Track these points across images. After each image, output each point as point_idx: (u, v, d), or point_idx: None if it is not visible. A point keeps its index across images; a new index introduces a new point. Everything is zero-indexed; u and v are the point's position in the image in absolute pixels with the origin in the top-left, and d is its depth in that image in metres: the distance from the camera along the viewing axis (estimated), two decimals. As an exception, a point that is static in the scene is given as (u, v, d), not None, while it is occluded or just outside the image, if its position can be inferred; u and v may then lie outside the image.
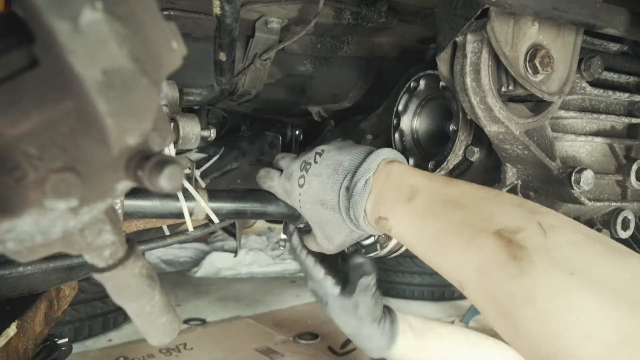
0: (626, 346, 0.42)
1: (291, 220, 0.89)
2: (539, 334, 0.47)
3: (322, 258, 0.91)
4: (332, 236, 0.79)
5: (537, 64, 0.69)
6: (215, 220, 0.81)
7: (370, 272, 0.89)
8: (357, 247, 0.93)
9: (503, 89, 0.72)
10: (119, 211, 0.79)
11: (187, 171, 0.95)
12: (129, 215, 0.74)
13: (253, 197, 0.85)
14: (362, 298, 0.88)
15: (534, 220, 0.52)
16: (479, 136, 0.87)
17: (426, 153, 0.97)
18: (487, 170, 0.89)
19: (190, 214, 0.78)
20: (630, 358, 0.42)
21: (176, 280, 4.23)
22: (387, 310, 0.96)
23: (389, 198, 0.69)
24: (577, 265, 0.47)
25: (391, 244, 0.92)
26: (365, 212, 0.72)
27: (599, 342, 0.43)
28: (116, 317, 2.97)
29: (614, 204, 0.82)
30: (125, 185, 0.33)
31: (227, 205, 0.81)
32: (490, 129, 0.75)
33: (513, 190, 0.82)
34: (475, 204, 0.59)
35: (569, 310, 0.45)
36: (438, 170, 0.90)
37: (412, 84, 0.96)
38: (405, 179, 0.69)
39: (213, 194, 0.81)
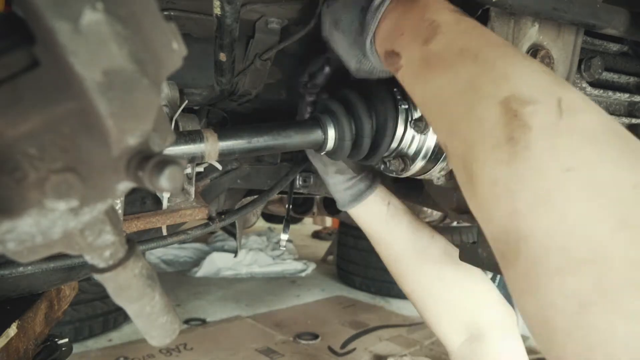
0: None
1: (315, 148, 0.85)
2: (514, 235, 0.40)
3: None
4: (346, 61, 0.74)
5: (538, 65, 0.69)
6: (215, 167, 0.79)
7: None
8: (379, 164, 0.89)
9: (503, 89, 0.72)
10: (120, 211, 0.79)
11: (188, 170, 0.95)
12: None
13: (268, 129, 0.78)
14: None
15: (554, 94, 0.43)
16: (479, 136, 0.87)
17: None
18: (487, 170, 0.88)
19: (202, 158, 0.73)
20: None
21: (176, 280, 4.24)
22: (369, 176, 1.01)
23: (407, 32, 0.58)
24: (579, 162, 0.39)
25: (411, 172, 0.87)
26: (374, 39, 0.64)
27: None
28: (116, 317, 2.98)
29: (614, 204, 0.82)
30: (125, 185, 0.34)
31: (240, 142, 0.75)
32: (491, 129, 0.75)
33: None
34: (495, 59, 0.48)
35: (552, 218, 0.38)
36: (438, 170, 0.90)
37: None
38: (429, 12, 0.57)
39: (223, 134, 0.74)
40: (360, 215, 1.01)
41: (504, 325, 0.96)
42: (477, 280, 1.00)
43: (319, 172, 1.01)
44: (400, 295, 3.89)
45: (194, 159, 0.73)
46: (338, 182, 0.99)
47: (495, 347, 0.93)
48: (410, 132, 0.84)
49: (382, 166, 0.89)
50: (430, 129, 0.85)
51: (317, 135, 0.82)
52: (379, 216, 1.00)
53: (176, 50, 0.32)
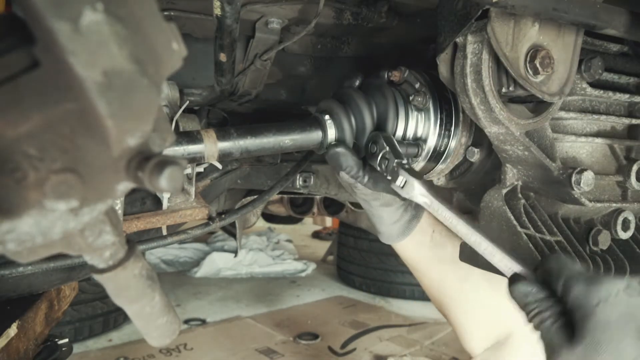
0: None
1: (316, 150, 0.85)
2: None
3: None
4: None
5: (538, 65, 0.69)
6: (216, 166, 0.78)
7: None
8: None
9: (503, 89, 0.72)
10: (120, 212, 0.79)
11: (188, 171, 0.95)
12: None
13: (268, 129, 0.77)
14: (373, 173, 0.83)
15: None
16: (479, 137, 0.87)
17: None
18: (487, 171, 0.89)
19: (202, 159, 0.72)
20: None
21: (176, 281, 4.24)
22: (413, 206, 0.92)
23: None
24: None
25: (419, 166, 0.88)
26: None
27: None
28: (116, 317, 2.98)
29: (614, 204, 0.82)
30: (125, 186, 0.33)
31: (240, 143, 0.74)
32: (491, 129, 0.75)
33: (513, 190, 0.82)
34: None
35: None
36: (438, 171, 0.90)
37: None
38: None
39: (223, 134, 0.72)
40: (407, 248, 0.95)
41: (527, 331, 0.97)
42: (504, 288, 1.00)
43: (363, 207, 0.91)
44: (400, 295, 3.88)
45: (194, 160, 0.73)
46: (386, 215, 0.89)
47: (519, 350, 0.94)
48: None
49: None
50: (431, 129, 0.85)
51: (316, 135, 0.82)
52: (424, 247, 0.95)
53: (176, 51, 0.32)
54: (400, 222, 0.91)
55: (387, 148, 0.76)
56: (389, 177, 0.75)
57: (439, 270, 0.97)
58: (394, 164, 0.75)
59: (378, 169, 0.78)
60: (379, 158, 0.78)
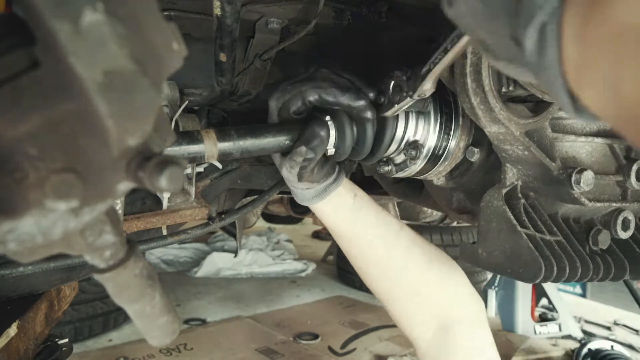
0: None
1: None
2: None
3: None
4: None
5: (538, 65, 0.69)
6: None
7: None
8: (387, 162, 0.88)
9: (503, 89, 0.72)
10: (120, 212, 0.79)
11: (188, 171, 0.95)
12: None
13: (268, 129, 0.77)
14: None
15: None
16: (479, 136, 0.87)
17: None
18: (487, 170, 0.89)
19: (202, 159, 0.72)
20: None
21: (176, 280, 4.24)
22: (334, 168, 0.89)
23: None
24: None
25: (411, 172, 0.89)
26: None
27: None
28: (116, 317, 2.98)
29: (614, 204, 0.82)
30: (125, 186, 0.34)
31: (240, 142, 0.74)
32: (491, 129, 0.75)
33: (513, 190, 0.82)
34: None
35: None
36: (438, 171, 0.90)
37: None
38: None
39: (223, 134, 0.73)
40: (325, 211, 0.91)
41: (473, 320, 0.92)
42: (449, 273, 0.94)
43: (276, 165, 0.88)
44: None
45: (194, 160, 0.73)
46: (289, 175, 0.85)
47: (465, 342, 0.89)
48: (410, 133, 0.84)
49: (395, 167, 0.89)
50: (430, 130, 0.85)
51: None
52: (344, 210, 0.91)
53: (176, 51, 0.32)
54: (318, 185, 0.87)
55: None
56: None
57: (364, 236, 0.92)
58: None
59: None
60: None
